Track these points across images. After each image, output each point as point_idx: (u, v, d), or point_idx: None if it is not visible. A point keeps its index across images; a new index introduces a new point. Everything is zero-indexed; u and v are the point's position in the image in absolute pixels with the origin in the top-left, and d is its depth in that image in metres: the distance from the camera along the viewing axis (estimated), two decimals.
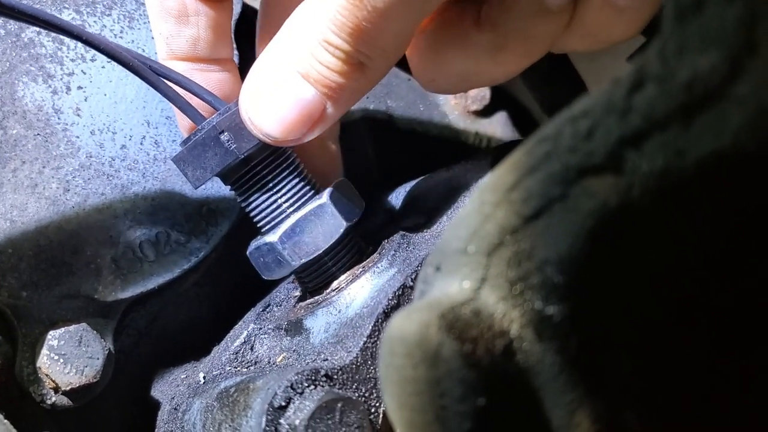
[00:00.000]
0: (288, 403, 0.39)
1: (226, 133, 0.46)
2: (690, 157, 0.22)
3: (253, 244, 0.50)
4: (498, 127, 0.77)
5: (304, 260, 0.47)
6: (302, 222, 0.47)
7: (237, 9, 0.57)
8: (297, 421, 0.38)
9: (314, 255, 0.47)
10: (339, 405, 0.39)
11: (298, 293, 0.53)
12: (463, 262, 0.29)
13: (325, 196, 0.47)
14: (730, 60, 0.21)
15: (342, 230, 0.47)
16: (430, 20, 0.47)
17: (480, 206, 0.28)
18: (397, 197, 0.58)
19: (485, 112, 0.75)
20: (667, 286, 0.26)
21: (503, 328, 0.27)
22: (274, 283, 0.56)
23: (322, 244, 0.48)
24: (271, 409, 0.39)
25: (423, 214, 0.54)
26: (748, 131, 0.21)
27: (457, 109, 0.75)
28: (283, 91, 0.43)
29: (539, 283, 0.27)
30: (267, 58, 0.44)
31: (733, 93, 0.21)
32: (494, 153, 0.53)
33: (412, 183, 0.59)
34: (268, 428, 0.39)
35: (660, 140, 0.22)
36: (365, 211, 0.51)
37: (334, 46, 0.41)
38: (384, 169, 0.69)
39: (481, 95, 0.74)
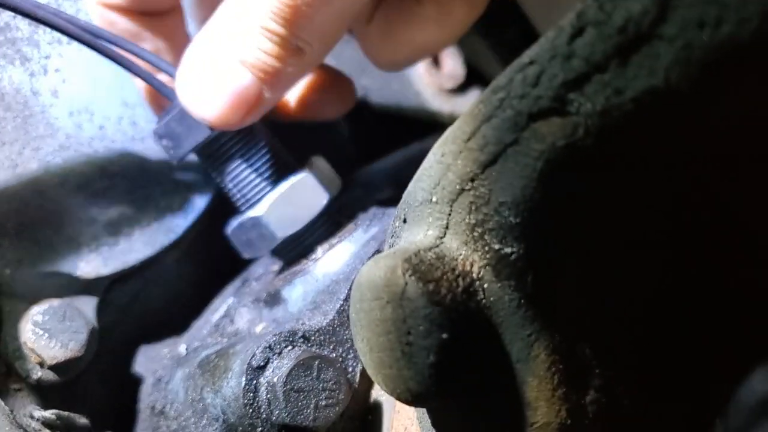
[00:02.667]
0: (266, 363, 0.41)
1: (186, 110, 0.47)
2: (627, 96, 0.24)
3: (234, 222, 0.51)
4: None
5: (288, 233, 0.48)
6: (286, 195, 0.48)
7: None
8: (275, 379, 0.40)
9: (298, 228, 0.48)
10: (316, 362, 0.40)
11: (276, 267, 0.55)
12: (427, 212, 0.30)
13: (305, 170, 0.49)
14: (658, 3, 0.22)
15: (324, 202, 0.48)
16: (372, 3, 0.48)
17: (441, 157, 0.30)
18: (372, 172, 0.60)
19: (459, 90, 0.76)
20: (613, 223, 0.28)
21: (465, 270, 0.29)
22: (253, 260, 0.58)
23: (306, 216, 0.49)
24: (250, 369, 0.41)
25: (397, 186, 0.55)
26: (677, 68, 0.23)
27: (431, 87, 0.76)
28: (221, 76, 0.44)
29: (497, 226, 0.28)
30: (202, 42, 0.45)
31: (662, 33, 0.23)
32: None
33: (387, 158, 0.60)
34: (247, 387, 0.40)
35: (600, 81, 0.24)
36: (341, 186, 0.53)
37: (272, 32, 0.42)
38: (359, 147, 0.71)
39: (455, 73, 0.76)
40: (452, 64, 0.75)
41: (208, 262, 0.60)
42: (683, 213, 0.27)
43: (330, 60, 0.71)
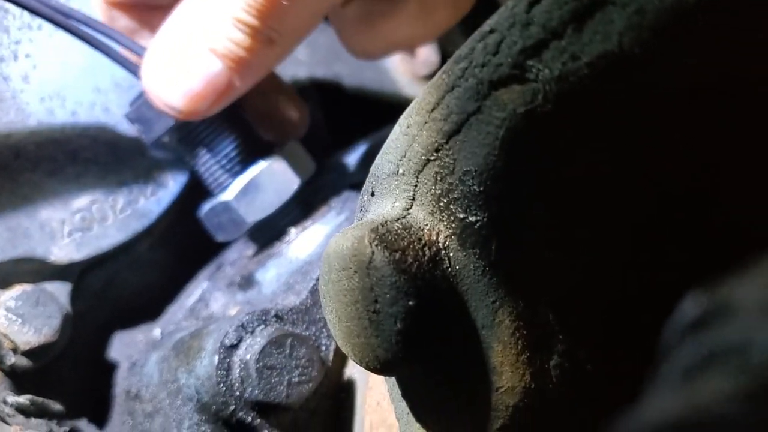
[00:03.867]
0: (239, 342, 0.41)
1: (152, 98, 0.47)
2: (583, 61, 0.24)
3: (207, 206, 0.51)
4: None
5: (258, 218, 0.48)
6: (256, 180, 0.48)
7: None
8: (248, 357, 0.40)
9: (268, 212, 0.48)
10: (289, 340, 0.41)
11: (250, 252, 0.55)
12: (394, 184, 0.31)
13: (277, 155, 0.49)
14: None
15: (295, 187, 0.49)
16: None
17: (407, 129, 0.30)
18: (346, 157, 0.60)
19: (433, 77, 0.77)
20: (575, 189, 0.28)
21: (431, 239, 0.30)
22: (227, 245, 0.58)
23: (276, 201, 0.49)
24: (222, 348, 0.41)
25: None
26: (630, 33, 0.24)
27: (406, 75, 0.77)
28: (190, 64, 0.43)
29: (461, 195, 0.29)
30: (171, 29, 0.45)
31: None
32: None
33: (361, 142, 0.61)
34: (220, 366, 0.41)
35: (557, 47, 0.24)
36: (316, 171, 0.53)
37: (244, 23, 0.42)
38: (334, 134, 0.71)
39: (429, 60, 0.76)
40: (427, 51, 0.76)
41: (183, 248, 0.60)
42: (645, 178, 0.28)
43: (304, 47, 0.71)
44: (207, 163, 0.50)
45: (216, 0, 0.42)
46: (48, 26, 0.56)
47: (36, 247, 0.52)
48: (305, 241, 0.49)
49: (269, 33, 0.42)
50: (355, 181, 0.55)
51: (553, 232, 0.29)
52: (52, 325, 0.51)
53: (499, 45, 0.25)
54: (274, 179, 0.49)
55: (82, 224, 0.54)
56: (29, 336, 0.50)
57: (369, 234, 0.29)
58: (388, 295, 0.28)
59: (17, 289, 0.50)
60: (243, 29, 0.42)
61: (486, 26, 0.26)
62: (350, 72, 0.73)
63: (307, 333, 0.43)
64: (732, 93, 0.28)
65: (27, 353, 0.51)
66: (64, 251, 0.53)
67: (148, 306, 0.57)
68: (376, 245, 0.29)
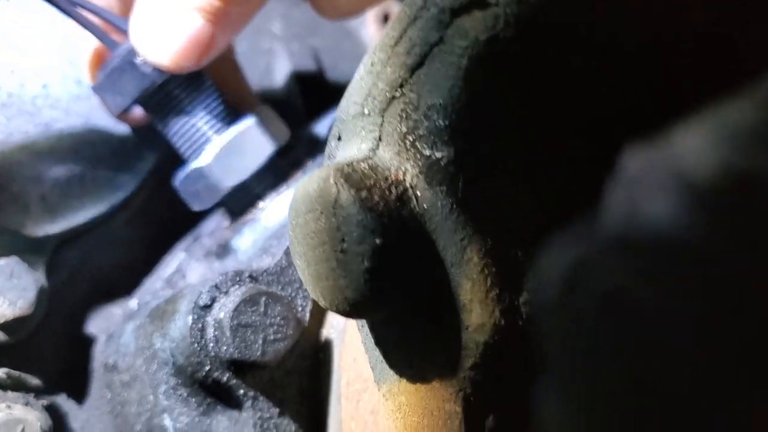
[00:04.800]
0: (213, 302, 0.41)
1: (140, 57, 0.47)
2: None
3: (181, 174, 0.50)
4: None
5: (234, 183, 0.48)
6: (230, 145, 0.48)
7: None
8: (222, 315, 0.40)
9: (244, 177, 0.48)
10: (263, 298, 0.40)
11: (227, 223, 0.55)
12: (360, 126, 0.31)
13: (251, 119, 0.49)
14: None
15: (270, 151, 0.48)
16: None
17: (371, 67, 0.30)
18: (320, 125, 0.60)
19: None
20: (540, 117, 0.28)
21: (398, 179, 0.29)
22: (204, 217, 0.57)
23: (251, 165, 0.49)
24: (196, 308, 0.41)
25: None
26: None
27: None
28: (172, 21, 0.45)
29: (426, 132, 0.29)
30: None
31: None
32: None
33: (334, 111, 0.60)
34: (194, 326, 0.40)
35: None
36: (290, 142, 0.53)
37: None
38: (310, 107, 0.71)
39: None
40: None
41: (160, 221, 0.59)
42: (609, 98, 0.28)
43: (279, 20, 0.71)
44: (180, 130, 0.49)
45: None
46: None
47: (9, 220, 0.51)
48: (279, 206, 0.49)
49: None
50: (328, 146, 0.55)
51: (520, 167, 0.28)
52: (27, 297, 0.50)
53: None
54: (248, 143, 0.48)
55: (57, 198, 0.53)
56: (4, 309, 0.49)
57: (334, 173, 0.29)
58: (354, 234, 0.28)
59: None
60: None
61: None
62: (326, 45, 0.72)
63: (284, 294, 0.43)
64: None
65: (2, 326, 0.50)
66: (38, 224, 0.52)
67: (126, 280, 0.57)
68: (342, 185, 0.28)
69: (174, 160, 0.55)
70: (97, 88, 0.48)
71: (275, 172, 0.51)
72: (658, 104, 0.29)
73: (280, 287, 0.43)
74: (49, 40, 0.55)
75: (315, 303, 0.45)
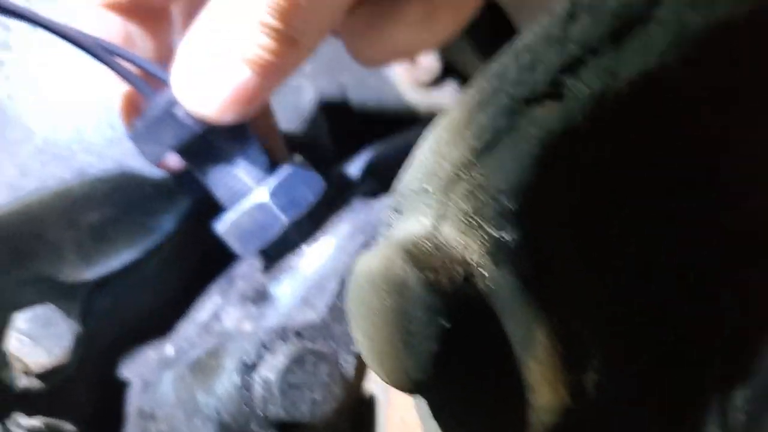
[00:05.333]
0: (260, 360, 0.41)
1: (179, 106, 0.47)
2: (622, 78, 0.24)
3: (231, 215, 0.50)
4: (449, 97, 0.79)
5: (294, 216, 0.47)
6: (284, 183, 0.48)
7: None
8: (270, 375, 0.39)
9: (303, 210, 0.47)
10: (310, 358, 0.40)
11: (261, 265, 0.55)
12: (422, 202, 0.31)
13: (290, 167, 0.48)
14: None
15: (309, 200, 0.48)
16: None
17: (435, 146, 0.30)
18: (352, 166, 0.60)
19: (436, 83, 0.77)
20: (610, 202, 0.28)
21: (463, 258, 0.29)
22: (236, 260, 0.57)
23: (306, 201, 0.48)
24: (243, 367, 0.40)
25: (380, 180, 0.56)
26: (671, 51, 0.23)
27: (408, 81, 0.77)
28: (217, 71, 0.44)
29: (494, 213, 0.29)
30: (197, 35, 0.45)
31: (656, 15, 0.23)
32: None
33: (367, 151, 0.61)
34: (242, 385, 0.40)
35: (595, 65, 0.24)
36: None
37: (269, 26, 0.42)
38: (338, 142, 0.71)
39: (431, 67, 0.76)
40: (428, 59, 0.76)
41: (192, 262, 0.59)
42: (680, 189, 0.28)
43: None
44: (220, 180, 0.49)
45: (240, 5, 0.42)
46: (54, 41, 0.55)
47: (44, 267, 0.51)
48: (317, 253, 0.49)
49: (292, 34, 0.42)
50: (364, 189, 0.55)
51: (589, 244, 0.28)
52: (64, 345, 0.50)
53: (534, 63, 0.25)
54: (299, 183, 0.48)
55: (92, 243, 0.53)
56: (41, 358, 0.49)
57: (400, 254, 0.29)
58: (422, 317, 0.28)
59: (27, 311, 0.50)
60: (269, 33, 0.42)
61: (519, 44, 0.26)
62: (354, 81, 0.72)
63: (327, 349, 0.43)
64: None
65: (38, 375, 0.50)
66: (73, 271, 0.52)
67: (158, 322, 0.57)
68: (409, 265, 0.28)
69: (208, 202, 0.55)
70: (134, 138, 0.48)
71: (310, 217, 0.51)
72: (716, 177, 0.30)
73: (324, 342, 0.43)
74: (82, 83, 0.55)
75: (359, 357, 0.45)
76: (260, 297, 0.51)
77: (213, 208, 0.53)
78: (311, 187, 0.48)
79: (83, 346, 0.52)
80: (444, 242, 0.30)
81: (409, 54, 0.50)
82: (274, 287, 0.50)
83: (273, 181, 0.48)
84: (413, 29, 0.46)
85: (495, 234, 0.29)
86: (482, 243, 0.29)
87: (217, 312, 0.53)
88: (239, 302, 0.52)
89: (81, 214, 0.53)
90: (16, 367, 0.50)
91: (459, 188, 0.29)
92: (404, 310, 0.28)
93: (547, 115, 0.25)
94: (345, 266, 0.46)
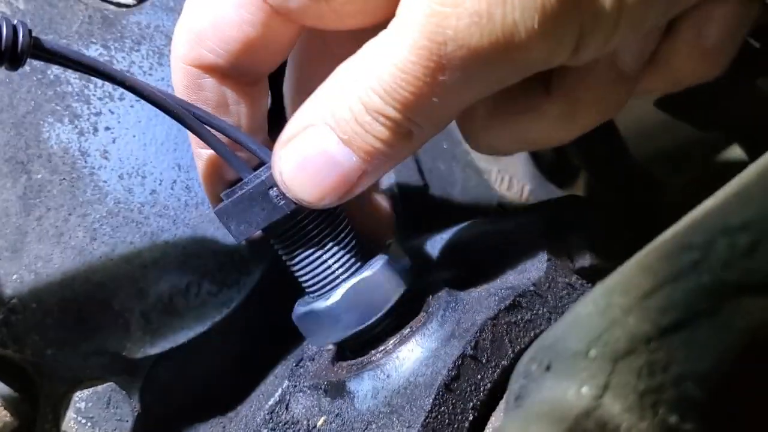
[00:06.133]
0: None
1: (275, 189, 0.44)
2: None
3: (301, 309, 0.47)
4: (519, 164, 0.76)
5: (358, 328, 0.45)
6: (358, 287, 0.44)
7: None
8: None
9: (370, 322, 0.44)
10: None
11: (331, 347, 0.51)
12: (582, 366, 0.27)
13: (379, 262, 0.45)
14: None
15: (398, 296, 0.45)
16: None
17: (606, 308, 0.26)
18: (432, 245, 0.56)
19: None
20: None
21: None
22: (303, 340, 0.54)
23: (378, 309, 0.45)
24: None
25: (465, 266, 0.52)
26: None
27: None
28: (322, 155, 0.41)
29: (675, 398, 0.25)
30: (304, 116, 0.42)
31: None
32: (542, 211, 0.51)
33: (449, 231, 0.57)
34: None
35: None
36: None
37: (384, 114, 0.39)
38: (408, 208, 0.67)
39: None
40: None
41: (256, 334, 0.56)
42: None
43: None
44: (306, 264, 0.46)
45: (354, 89, 0.39)
46: (129, 96, 0.52)
47: (108, 340, 0.48)
48: (405, 356, 0.45)
49: (410, 126, 0.39)
50: (446, 276, 0.51)
51: None
52: (123, 428, 0.47)
53: (754, 247, 0.22)
54: (376, 286, 0.45)
55: (159, 316, 0.50)
56: None
57: None
58: None
59: (87, 389, 0.46)
60: (384, 122, 0.39)
61: (734, 219, 0.22)
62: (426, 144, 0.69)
63: None
64: None
65: None
66: (137, 345, 0.49)
67: (218, 396, 0.54)
68: None
69: (279, 273, 0.51)
70: (221, 213, 0.45)
71: (395, 309, 0.48)
72: None
73: None
74: (158, 143, 0.52)
75: None
76: (336, 390, 0.47)
77: (284, 276, 0.50)
78: (390, 290, 0.45)
79: (141, 423, 0.49)
80: (607, 419, 0.26)
81: (539, 148, 0.47)
82: (353, 384, 0.46)
83: (349, 283, 0.45)
84: (551, 126, 0.42)
85: (672, 420, 0.25)
86: (655, 427, 0.25)
87: (285, 397, 0.49)
88: (309, 390, 0.48)
89: (150, 283, 0.50)
90: None
91: (632, 362, 0.26)
92: None
93: (762, 308, 0.22)
94: (441, 378, 0.42)
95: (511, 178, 0.76)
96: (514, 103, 0.43)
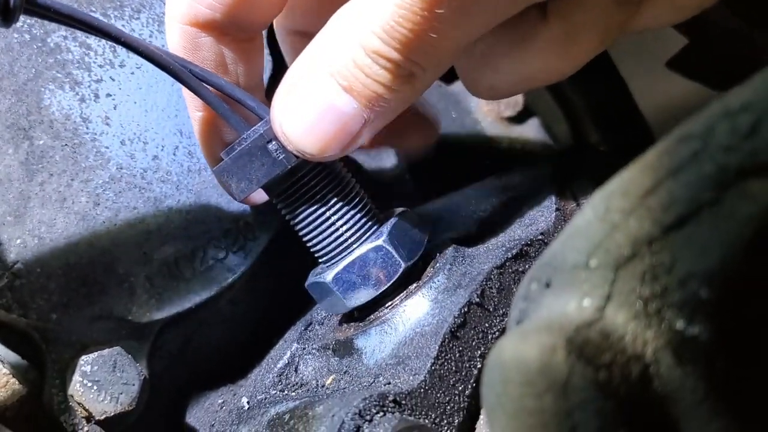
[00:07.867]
0: (357, 430, 0.36)
1: (273, 143, 0.43)
2: None
3: (312, 279, 0.46)
4: (531, 133, 0.74)
5: (364, 300, 0.44)
6: (365, 257, 0.44)
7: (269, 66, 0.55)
8: None
9: (377, 293, 0.44)
10: None
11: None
12: (582, 278, 0.26)
13: (385, 234, 0.44)
14: None
15: (405, 266, 0.44)
16: None
17: (605, 214, 0.25)
18: (441, 209, 0.55)
19: (518, 118, 0.72)
20: None
21: (636, 351, 0.24)
22: (313, 303, 0.53)
23: (390, 276, 0.45)
24: None
25: (472, 223, 0.51)
26: None
27: (490, 116, 0.72)
28: (322, 104, 0.40)
29: (681, 300, 0.24)
30: (302, 66, 0.41)
31: None
32: (555, 165, 0.50)
33: (455, 193, 0.56)
34: None
35: None
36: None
37: (384, 56, 0.38)
38: (417, 178, 0.67)
39: (514, 101, 0.72)
40: None
41: (265, 301, 0.55)
42: None
43: None
44: (306, 219, 0.45)
45: (352, 33, 0.38)
46: (130, 63, 0.52)
47: (114, 304, 0.48)
48: (412, 309, 0.44)
49: (411, 67, 0.38)
50: (455, 236, 0.50)
51: None
52: (130, 392, 0.46)
53: (756, 126, 0.21)
54: (388, 256, 0.44)
55: (164, 280, 0.49)
56: (105, 405, 0.46)
57: (562, 342, 0.24)
58: (592, 425, 0.23)
59: (93, 353, 0.46)
60: (382, 63, 0.37)
61: (733, 101, 0.21)
62: None
63: (427, 420, 0.38)
64: None
65: (101, 422, 0.46)
66: (143, 310, 0.48)
67: (229, 364, 0.53)
68: (575, 361, 0.24)
69: (286, 237, 0.51)
70: (220, 172, 0.44)
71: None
72: None
73: (424, 411, 0.39)
74: (160, 109, 0.52)
75: (460, 426, 0.40)
76: (343, 348, 0.46)
77: (290, 242, 0.49)
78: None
79: (149, 390, 0.48)
80: (611, 329, 0.25)
81: (540, 83, 0.45)
82: (361, 340, 0.45)
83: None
84: (549, 54, 0.40)
85: (679, 325, 0.24)
86: (660, 335, 0.24)
87: (294, 360, 0.48)
88: (318, 351, 0.47)
89: (154, 248, 0.49)
90: (79, 412, 0.46)
91: (634, 267, 0.25)
92: (569, 414, 0.24)
93: (765, 190, 0.21)
94: (447, 326, 0.41)
95: (522, 146, 0.74)
96: (512, 32, 0.41)
